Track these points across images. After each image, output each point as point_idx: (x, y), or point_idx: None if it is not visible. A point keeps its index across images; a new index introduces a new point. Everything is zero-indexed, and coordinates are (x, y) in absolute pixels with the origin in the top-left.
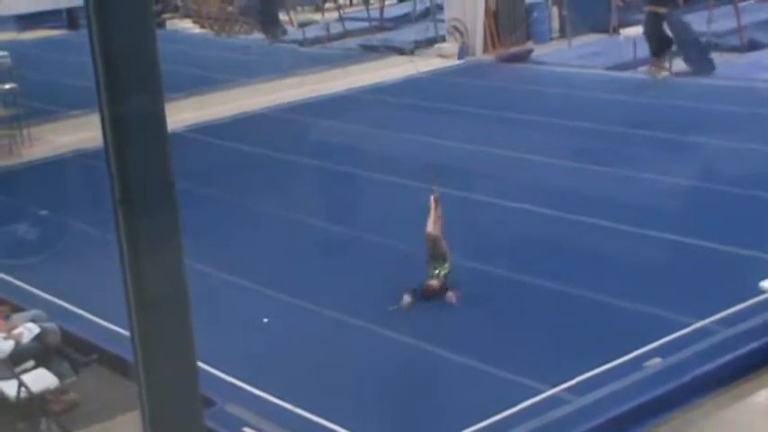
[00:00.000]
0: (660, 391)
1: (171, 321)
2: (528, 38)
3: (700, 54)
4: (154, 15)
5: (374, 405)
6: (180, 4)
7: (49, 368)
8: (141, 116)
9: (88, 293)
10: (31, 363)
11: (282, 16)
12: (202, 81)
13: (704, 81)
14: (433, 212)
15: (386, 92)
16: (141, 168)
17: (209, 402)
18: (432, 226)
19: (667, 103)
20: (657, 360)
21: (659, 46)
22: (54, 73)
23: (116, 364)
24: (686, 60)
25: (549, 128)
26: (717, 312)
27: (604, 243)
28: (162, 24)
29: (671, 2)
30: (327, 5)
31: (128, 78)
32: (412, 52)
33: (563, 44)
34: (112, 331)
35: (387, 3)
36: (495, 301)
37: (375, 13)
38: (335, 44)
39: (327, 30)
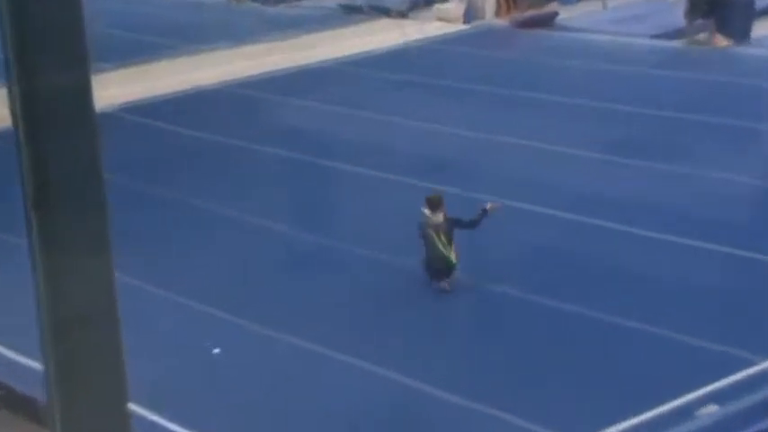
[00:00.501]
0: None
1: (96, 350)
2: None
3: (745, 20)
4: None
5: None
6: None
7: None
8: (61, 92)
9: None
10: None
11: None
12: (141, 48)
13: None
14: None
15: (372, 65)
16: (61, 159)
17: None
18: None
19: (730, 80)
20: (713, 408)
21: (711, 5)
22: None
23: (23, 406)
24: (724, 27)
25: (577, 112)
26: None
27: (646, 259)
28: None
29: None
30: None
31: (44, 45)
32: (404, 15)
33: (596, 5)
34: (19, 365)
35: None
36: (508, 331)
37: None
38: (309, 3)
39: None
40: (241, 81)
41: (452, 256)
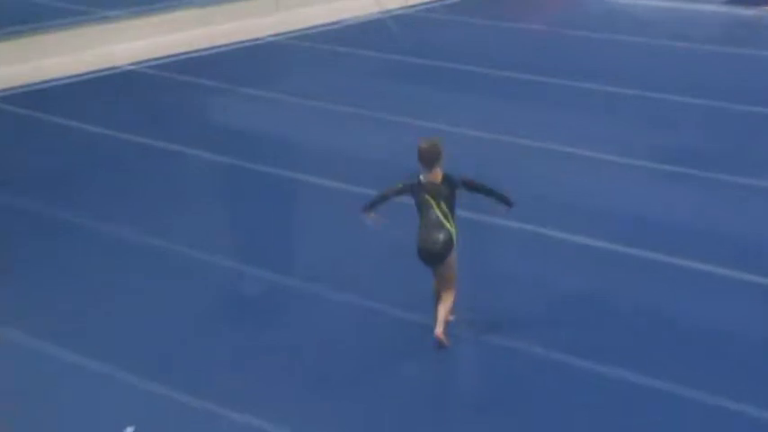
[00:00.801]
0: None
1: None
2: None
3: None
4: None
5: None
6: None
7: None
8: None
9: None
10: None
11: None
12: (23, 14)
13: None
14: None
15: (336, 39)
16: None
17: None
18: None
19: None
20: None
21: None
22: None
23: None
24: None
25: (616, 104)
26: None
27: (711, 306)
28: None
29: None
30: None
31: None
32: None
33: None
34: None
35: None
36: (525, 400)
37: None
38: None
39: None
40: (163, 61)
41: (453, 230)
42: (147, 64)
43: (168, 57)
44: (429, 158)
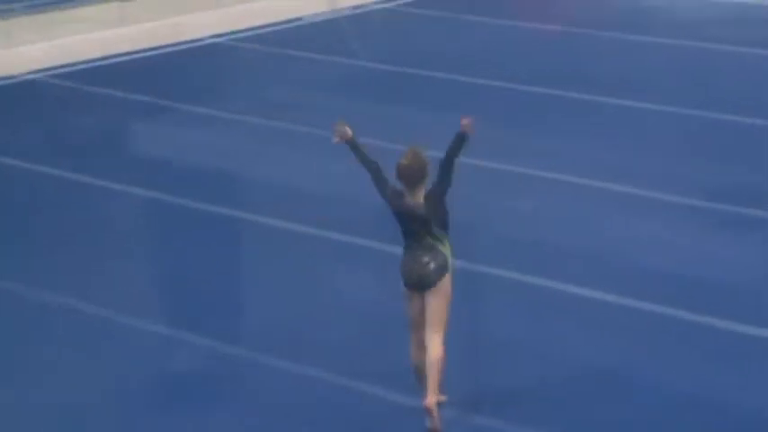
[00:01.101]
0: None
1: None
2: None
3: None
4: None
5: None
6: None
7: None
8: None
9: None
10: None
11: None
12: None
13: None
14: None
15: (291, 41)
16: None
17: None
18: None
19: None
20: None
21: None
22: None
23: None
24: None
25: (647, 125)
26: None
27: (757, 381)
28: None
29: None
30: None
31: None
32: None
33: None
34: None
35: None
36: None
37: None
38: None
39: None
40: (72, 67)
41: (447, 253)
42: (53, 72)
43: (81, 63)
44: (413, 177)
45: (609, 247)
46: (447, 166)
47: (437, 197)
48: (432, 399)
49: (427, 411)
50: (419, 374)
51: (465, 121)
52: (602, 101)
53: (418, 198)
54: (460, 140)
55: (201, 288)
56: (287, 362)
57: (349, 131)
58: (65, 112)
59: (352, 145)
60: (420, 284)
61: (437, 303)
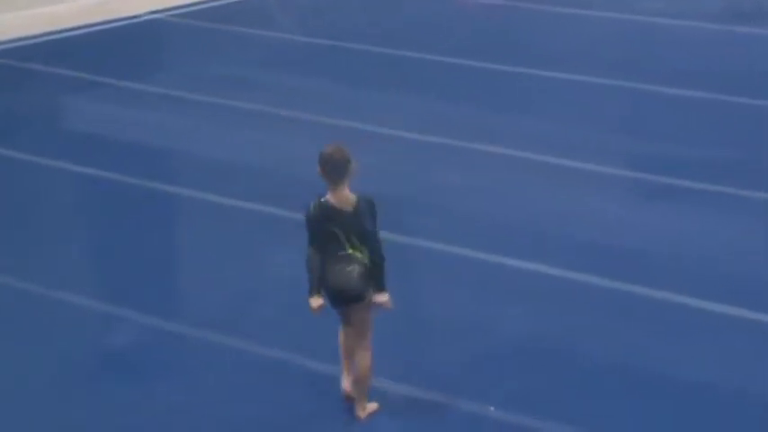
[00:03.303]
0: None
1: None
2: None
3: None
4: None
5: None
6: None
7: None
8: None
9: None
10: None
11: None
12: None
13: None
14: None
15: (232, 16)
16: None
17: None
18: None
19: None
20: None
21: None
22: None
23: None
24: None
25: (590, 98)
26: None
27: (702, 353)
28: None
29: None
30: None
31: None
32: None
33: None
34: None
35: None
36: None
37: None
38: None
39: None
40: (2, 47)
41: (367, 260)
42: None
43: (14, 41)
44: (336, 166)
45: (545, 220)
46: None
47: (367, 213)
48: (362, 412)
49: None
50: (343, 355)
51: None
52: (536, 73)
53: (342, 196)
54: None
55: (140, 263)
56: (225, 336)
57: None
58: (1, 89)
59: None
60: (344, 300)
61: (362, 317)
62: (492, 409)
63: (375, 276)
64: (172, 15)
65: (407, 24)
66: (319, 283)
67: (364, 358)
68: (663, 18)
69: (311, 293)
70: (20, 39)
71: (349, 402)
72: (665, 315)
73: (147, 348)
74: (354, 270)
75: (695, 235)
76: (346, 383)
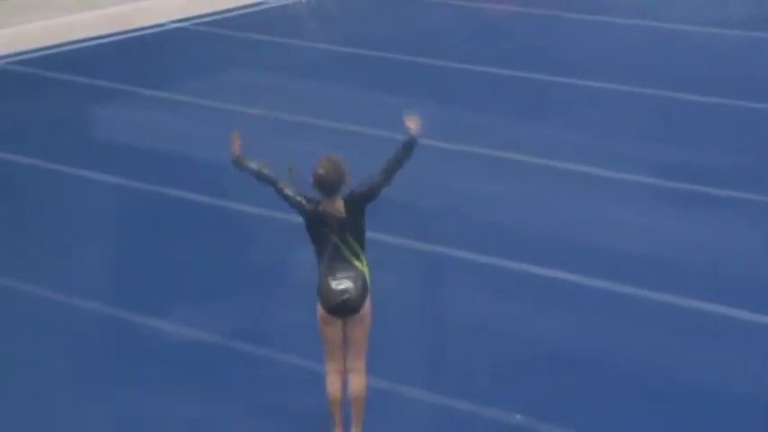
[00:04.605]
0: None
1: None
2: None
3: None
4: None
5: None
6: None
7: None
8: None
9: None
10: None
11: None
12: None
13: None
14: None
15: (257, 25)
16: None
17: None
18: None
19: None
20: None
21: None
22: None
23: None
24: None
25: (609, 105)
26: None
27: (722, 358)
28: None
29: None
30: None
31: None
32: None
33: None
34: None
35: None
36: None
37: None
38: None
39: None
40: (32, 55)
41: (366, 270)
42: (11, 59)
43: (40, 50)
44: (330, 185)
45: (570, 228)
46: (392, 169)
47: (359, 203)
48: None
49: None
50: (335, 406)
51: (412, 124)
52: (559, 81)
53: (336, 206)
54: (410, 146)
55: (159, 270)
56: (243, 343)
57: (236, 149)
58: (24, 98)
59: (237, 163)
60: (343, 310)
61: (361, 329)
62: (518, 417)
63: (401, 150)
64: (197, 24)
65: (431, 33)
66: (319, 294)
67: (361, 383)
68: (687, 25)
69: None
70: (44, 48)
71: None
72: (689, 322)
73: (166, 356)
74: (353, 283)
75: (719, 242)
76: None
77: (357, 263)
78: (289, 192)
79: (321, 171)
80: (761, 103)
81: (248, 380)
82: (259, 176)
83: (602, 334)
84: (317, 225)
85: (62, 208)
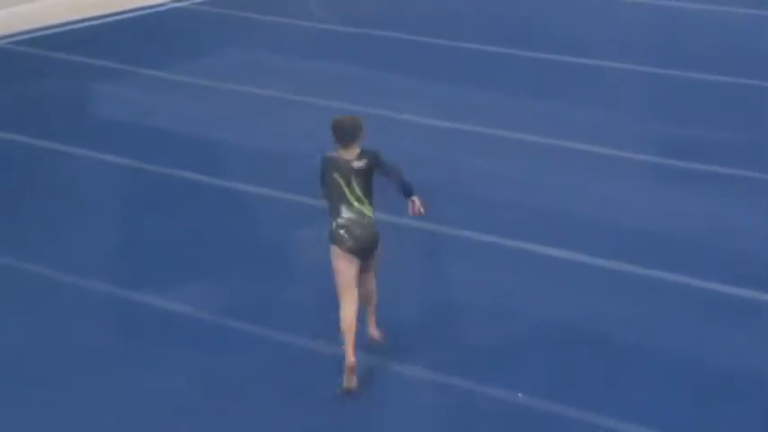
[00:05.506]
0: None
1: None
2: None
3: None
4: None
5: None
6: None
7: None
8: None
9: None
10: None
11: None
12: None
13: None
14: None
15: (254, 4)
16: None
17: None
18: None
19: None
20: None
21: None
22: None
23: None
24: None
25: (611, 83)
26: None
27: (730, 339)
28: None
29: None
30: None
31: None
32: None
33: None
34: None
35: None
36: None
37: None
38: None
39: None
40: (33, 35)
41: (371, 213)
42: (13, 39)
43: (42, 29)
44: (348, 131)
45: (574, 206)
46: (393, 171)
47: (374, 158)
48: (374, 329)
49: (349, 370)
50: (349, 335)
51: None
52: (563, 60)
53: (353, 154)
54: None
55: (162, 251)
56: (249, 323)
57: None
58: (24, 78)
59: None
60: (367, 251)
61: (374, 261)
62: (520, 395)
63: (405, 186)
64: (195, 3)
65: (437, 12)
66: (338, 241)
67: (374, 283)
68: (692, 3)
69: (328, 242)
70: (44, 28)
71: (373, 344)
72: (695, 300)
73: (171, 335)
74: (372, 227)
75: (725, 220)
76: (372, 330)
77: (367, 208)
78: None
79: (341, 119)
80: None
81: (249, 357)
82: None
83: (606, 313)
84: (332, 171)
85: (62, 187)
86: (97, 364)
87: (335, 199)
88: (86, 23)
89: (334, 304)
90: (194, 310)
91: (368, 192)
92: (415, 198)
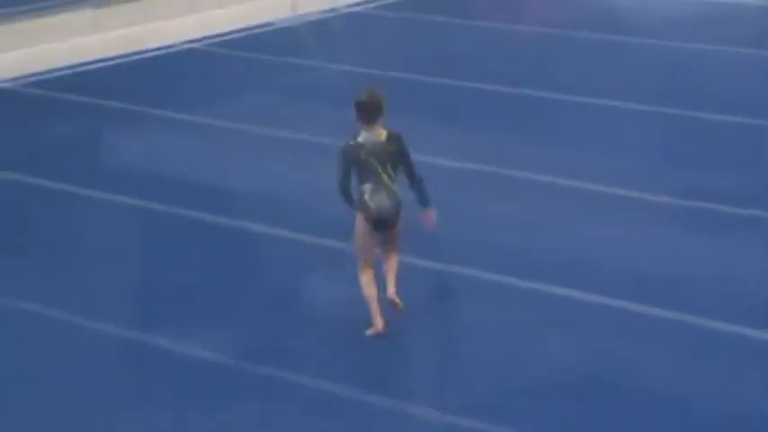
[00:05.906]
0: None
1: None
2: None
3: None
4: None
5: None
6: None
7: None
8: None
9: None
10: None
11: None
12: None
13: None
14: None
15: (267, 45)
16: None
17: None
18: None
19: None
20: None
21: None
22: None
23: None
24: None
25: (632, 125)
26: None
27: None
28: None
29: None
30: None
31: None
32: None
33: None
34: None
35: None
36: None
37: None
38: None
39: None
40: (45, 77)
41: (397, 189)
42: (25, 81)
43: (54, 71)
44: (370, 111)
45: (585, 248)
46: (405, 165)
47: (398, 139)
48: (393, 289)
49: (392, 302)
50: (373, 302)
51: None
52: (576, 100)
53: (378, 135)
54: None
55: (177, 293)
56: (262, 366)
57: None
58: (38, 120)
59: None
60: (389, 225)
61: (396, 235)
62: None
63: (421, 194)
64: (208, 45)
65: (444, 53)
66: (362, 209)
67: (396, 259)
68: (700, 44)
69: (354, 210)
70: (56, 69)
71: (393, 306)
72: (710, 344)
73: (184, 377)
74: (396, 203)
75: (740, 263)
76: (391, 292)
77: (392, 184)
78: (346, 166)
79: (363, 98)
80: None
81: (262, 402)
82: (348, 186)
83: (618, 355)
84: (358, 152)
85: (75, 229)
86: (109, 406)
87: (368, 178)
88: (98, 65)
89: (346, 347)
90: (213, 355)
91: (396, 170)
92: (431, 212)
